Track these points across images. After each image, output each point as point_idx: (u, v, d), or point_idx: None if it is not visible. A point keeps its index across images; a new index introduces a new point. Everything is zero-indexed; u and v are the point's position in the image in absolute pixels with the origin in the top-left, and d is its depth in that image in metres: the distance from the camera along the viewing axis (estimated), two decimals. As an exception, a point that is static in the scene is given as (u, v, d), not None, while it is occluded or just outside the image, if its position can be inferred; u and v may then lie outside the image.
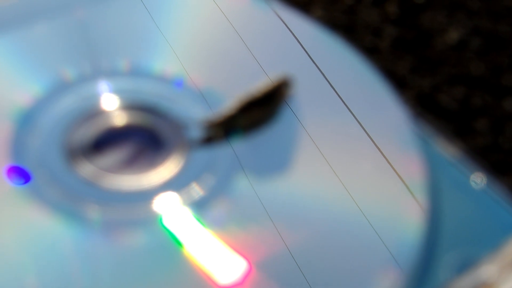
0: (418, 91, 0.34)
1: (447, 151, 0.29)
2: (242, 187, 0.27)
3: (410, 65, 0.35)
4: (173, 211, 0.26)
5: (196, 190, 0.26)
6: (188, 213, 0.26)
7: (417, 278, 0.25)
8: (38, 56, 0.31)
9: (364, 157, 0.29)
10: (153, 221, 0.26)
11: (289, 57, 0.33)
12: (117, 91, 0.30)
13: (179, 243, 0.25)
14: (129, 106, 0.30)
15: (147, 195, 0.26)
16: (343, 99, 0.31)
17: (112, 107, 0.29)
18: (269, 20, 0.34)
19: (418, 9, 0.38)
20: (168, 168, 0.28)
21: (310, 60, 0.33)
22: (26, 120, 0.28)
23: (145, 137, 0.29)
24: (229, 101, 0.29)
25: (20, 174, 0.26)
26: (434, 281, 0.25)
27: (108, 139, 0.29)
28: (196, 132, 0.29)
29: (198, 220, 0.25)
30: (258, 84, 0.30)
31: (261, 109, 0.30)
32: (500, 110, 0.33)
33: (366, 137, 0.29)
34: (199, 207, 0.26)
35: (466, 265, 0.25)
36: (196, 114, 0.29)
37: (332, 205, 0.27)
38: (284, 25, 0.34)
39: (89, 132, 0.28)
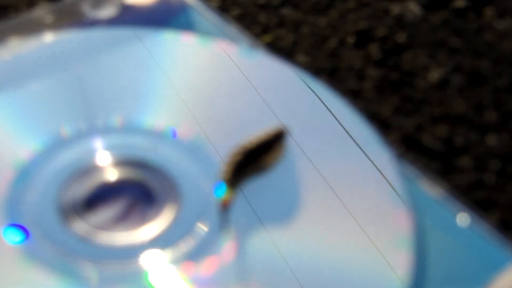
0: (402, 131, 0.35)
1: (432, 191, 0.30)
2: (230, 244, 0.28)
3: (393, 105, 0.36)
4: (159, 268, 0.27)
5: (184, 247, 0.27)
6: (174, 270, 0.26)
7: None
8: (36, 112, 0.32)
9: (351, 205, 0.30)
10: (140, 277, 0.26)
11: (276, 104, 0.33)
12: (110, 147, 0.31)
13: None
14: (121, 161, 0.31)
15: (137, 251, 0.27)
16: (332, 141, 0.32)
17: (105, 163, 0.31)
18: (256, 68, 0.35)
19: (400, 49, 0.39)
20: (159, 223, 0.28)
21: (295, 106, 0.33)
22: (23, 175, 0.30)
23: (137, 192, 0.30)
24: (226, 157, 0.30)
25: (17, 232, 0.27)
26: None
27: (101, 195, 0.29)
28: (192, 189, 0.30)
29: (183, 278, 0.26)
30: (252, 136, 0.31)
31: (256, 162, 0.31)
32: (484, 146, 0.34)
33: (352, 182, 0.30)
34: (186, 264, 0.27)
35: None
36: (188, 167, 0.30)
37: (319, 257, 0.28)
38: (269, 73, 0.35)
39: (82, 188, 0.29)
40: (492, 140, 0.34)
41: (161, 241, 0.28)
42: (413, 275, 0.27)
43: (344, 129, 0.33)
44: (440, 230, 0.29)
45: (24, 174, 0.30)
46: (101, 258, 0.27)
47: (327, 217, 0.29)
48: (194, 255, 0.27)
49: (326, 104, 0.34)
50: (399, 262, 0.27)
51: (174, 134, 0.31)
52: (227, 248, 0.27)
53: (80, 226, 0.28)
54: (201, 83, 0.34)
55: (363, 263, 0.27)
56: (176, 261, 0.27)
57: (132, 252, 0.27)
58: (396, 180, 0.30)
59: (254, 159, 0.30)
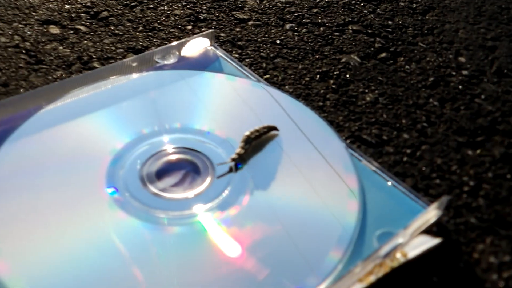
0: (350, 131, 0.34)
1: (370, 166, 0.30)
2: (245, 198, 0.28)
3: (344, 115, 0.36)
4: (202, 214, 0.27)
5: (216, 202, 0.27)
6: (210, 216, 0.27)
7: (355, 249, 0.25)
8: (128, 120, 0.32)
9: (319, 170, 0.30)
10: (193, 219, 0.27)
11: (274, 115, 0.34)
12: (172, 140, 0.31)
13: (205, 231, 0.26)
14: (179, 148, 0.31)
15: (189, 203, 0.27)
16: (307, 136, 0.32)
17: (169, 149, 0.30)
18: (261, 94, 0.35)
19: (347, 82, 0.39)
20: (204, 186, 0.28)
21: (286, 114, 0.34)
22: (118, 158, 0.30)
23: (189, 167, 0.30)
24: (237, 142, 0.30)
25: (112, 189, 0.28)
26: (367, 250, 0.25)
27: (166, 169, 0.29)
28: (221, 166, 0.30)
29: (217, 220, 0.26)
30: (250, 129, 0.31)
31: (256, 144, 0.31)
32: (400, 140, 0.34)
33: (321, 158, 0.30)
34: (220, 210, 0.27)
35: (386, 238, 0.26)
36: (220, 153, 0.30)
37: (298, 204, 0.28)
38: (269, 96, 0.35)
39: (155, 165, 0.29)
40: (405, 136, 0.34)
41: (203, 198, 0.28)
42: (358, 218, 0.27)
43: (314, 129, 0.33)
44: (375, 189, 0.29)
45: (119, 157, 0.30)
46: (166, 207, 0.27)
47: (300, 182, 0.29)
48: (222, 207, 0.28)
49: (303, 114, 0.34)
50: (351, 208, 0.27)
51: (208, 134, 0.32)
52: (240, 202, 0.28)
53: (153, 188, 0.28)
54: (227, 104, 0.35)
55: (325, 210, 0.28)
56: (211, 210, 0.27)
57: (186, 204, 0.28)
58: (347, 159, 0.30)
59: (254, 141, 0.31)
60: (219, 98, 0.35)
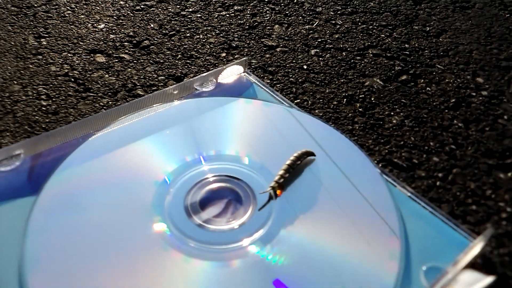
0: (379, 155, 0.30)
1: (404, 191, 0.25)
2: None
3: (372, 139, 0.31)
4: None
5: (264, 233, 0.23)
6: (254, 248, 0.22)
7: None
8: (174, 148, 0.28)
9: (356, 202, 0.25)
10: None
11: (307, 140, 0.29)
12: (211, 170, 0.26)
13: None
14: (220, 176, 0.26)
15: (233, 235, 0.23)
16: (336, 164, 0.27)
17: (210, 177, 0.26)
18: (292, 119, 0.31)
19: (373, 105, 0.34)
20: (245, 218, 0.24)
21: (318, 141, 0.29)
22: (171, 181, 0.25)
23: (231, 194, 0.25)
24: (275, 171, 0.26)
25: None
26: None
27: (209, 196, 0.25)
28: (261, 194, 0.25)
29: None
30: (289, 157, 0.26)
31: (293, 172, 0.26)
32: (432, 162, 0.29)
33: (357, 189, 0.25)
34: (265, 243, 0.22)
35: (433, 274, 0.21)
36: (259, 179, 0.26)
37: (338, 240, 0.23)
38: (302, 122, 0.30)
39: (199, 194, 0.25)
40: (435, 159, 0.29)
41: (248, 228, 0.23)
42: (402, 254, 0.22)
43: (345, 152, 0.28)
44: (414, 217, 0.24)
45: (172, 180, 0.26)
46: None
47: (339, 215, 0.24)
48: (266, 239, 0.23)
49: (334, 138, 0.29)
50: (393, 244, 0.22)
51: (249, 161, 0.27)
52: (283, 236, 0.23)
53: (197, 219, 0.24)
54: (262, 130, 0.30)
55: (366, 246, 0.22)
56: (258, 242, 0.23)
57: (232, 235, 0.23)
58: (383, 187, 0.26)
59: (292, 170, 0.26)
60: (255, 124, 0.31)
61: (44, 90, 0.33)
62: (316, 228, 0.23)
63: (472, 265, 0.22)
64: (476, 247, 0.22)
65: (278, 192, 0.25)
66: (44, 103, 0.32)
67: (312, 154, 0.27)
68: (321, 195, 0.25)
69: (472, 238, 0.23)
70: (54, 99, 0.32)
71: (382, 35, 0.44)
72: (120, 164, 0.27)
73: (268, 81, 0.37)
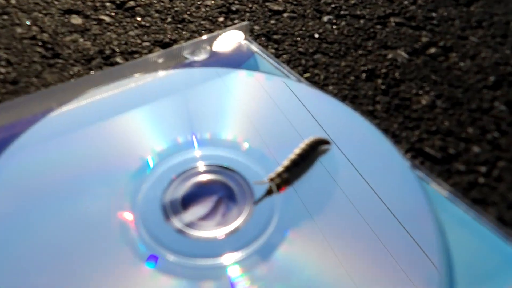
0: (407, 143, 0.24)
1: (441, 191, 0.20)
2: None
3: (398, 123, 0.25)
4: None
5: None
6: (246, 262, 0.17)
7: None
8: (156, 129, 0.22)
9: (374, 204, 0.19)
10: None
11: (315, 123, 0.23)
12: (203, 157, 0.21)
13: None
14: (210, 166, 0.21)
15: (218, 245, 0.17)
16: (358, 150, 0.22)
17: (198, 168, 0.21)
18: (301, 97, 0.25)
19: (397, 82, 0.29)
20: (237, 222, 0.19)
21: (334, 123, 0.23)
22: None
23: (221, 190, 0.20)
24: (281, 160, 0.20)
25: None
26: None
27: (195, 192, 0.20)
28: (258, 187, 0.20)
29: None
30: (299, 145, 0.21)
31: (303, 164, 0.21)
32: (473, 153, 0.23)
33: (380, 183, 0.20)
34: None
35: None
36: (257, 170, 0.21)
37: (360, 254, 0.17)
38: (313, 100, 0.25)
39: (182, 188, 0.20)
40: (475, 149, 0.24)
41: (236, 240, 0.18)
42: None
43: (365, 139, 0.23)
44: (455, 225, 0.19)
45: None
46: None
47: (359, 225, 0.19)
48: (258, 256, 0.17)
49: (351, 121, 0.24)
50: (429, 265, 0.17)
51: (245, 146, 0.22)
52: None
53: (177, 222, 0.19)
54: (263, 108, 0.24)
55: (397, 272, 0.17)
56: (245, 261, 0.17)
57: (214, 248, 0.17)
58: (415, 184, 0.20)
59: (302, 161, 0.21)
60: (257, 102, 0.25)
61: (4, 55, 0.28)
62: (325, 253, 0.18)
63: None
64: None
65: (280, 184, 0.20)
66: (3, 70, 0.26)
67: (326, 142, 0.22)
68: (336, 199, 0.20)
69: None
70: (15, 66, 0.27)
71: (405, 2, 0.38)
72: (85, 147, 0.21)
73: (273, 50, 0.31)
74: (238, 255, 0.17)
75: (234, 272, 0.16)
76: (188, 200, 0.19)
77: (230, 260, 0.17)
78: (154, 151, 0.21)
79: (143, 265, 0.16)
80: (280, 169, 0.20)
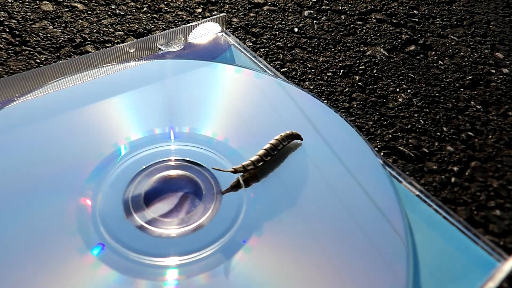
0: (381, 140, 0.24)
1: (412, 189, 0.20)
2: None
3: (373, 120, 0.25)
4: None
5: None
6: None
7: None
8: (143, 117, 0.22)
9: (354, 199, 0.19)
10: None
11: (292, 117, 0.23)
12: (177, 151, 0.20)
13: None
14: (177, 161, 0.20)
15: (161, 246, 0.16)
16: (329, 151, 0.21)
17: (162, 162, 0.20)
18: (278, 92, 0.24)
19: (375, 79, 0.28)
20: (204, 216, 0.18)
21: (308, 119, 0.23)
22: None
23: (188, 186, 0.19)
24: (252, 153, 0.20)
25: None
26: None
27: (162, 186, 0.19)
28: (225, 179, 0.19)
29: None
30: (271, 139, 0.20)
31: (274, 157, 0.20)
32: (446, 152, 0.23)
33: (355, 183, 0.20)
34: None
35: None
36: (227, 164, 0.20)
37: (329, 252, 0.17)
38: (288, 95, 0.24)
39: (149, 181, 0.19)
40: (449, 148, 0.24)
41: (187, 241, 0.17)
42: (408, 271, 0.16)
43: (341, 135, 0.22)
44: (424, 225, 0.18)
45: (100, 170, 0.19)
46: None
47: (329, 212, 0.18)
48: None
49: (326, 116, 0.23)
50: (397, 259, 0.17)
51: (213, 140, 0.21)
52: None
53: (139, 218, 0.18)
54: (239, 101, 0.24)
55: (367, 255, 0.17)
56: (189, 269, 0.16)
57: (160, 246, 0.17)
58: (387, 182, 0.20)
59: (272, 155, 0.20)
60: (230, 96, 0.24)
61: (-32, 41, 0.26)
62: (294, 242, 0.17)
63: (499, 293, 0.16)
64: (505, 268, 0.17)
65: (247, 179, 0.19)
66: (-35, 57, 0.25)
67: (299, 137, 0.21)
68: (305, 195, 0.19)
69: (497, 255, 0.17)
70: (-21, 53, 0.25)
71: (387, -1, 0.38)
72: (48, 139, 0.20)
73: (251, 44, 0.30)
74: (180, 259, 0.16)
75: (172, 275, 0.16)
76: (153, 195, 0.18)
77: (173, 262, 0.16)
78: (127, 139, 0.20)
79: (89, 253, 0.16)
80: (247, 162, 0.20)
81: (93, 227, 0.17)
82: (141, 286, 0.15)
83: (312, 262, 0.16)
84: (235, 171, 0.19)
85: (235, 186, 0.19)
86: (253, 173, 0.20)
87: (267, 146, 0.20)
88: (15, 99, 0.22)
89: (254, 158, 0.20)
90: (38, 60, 0.26)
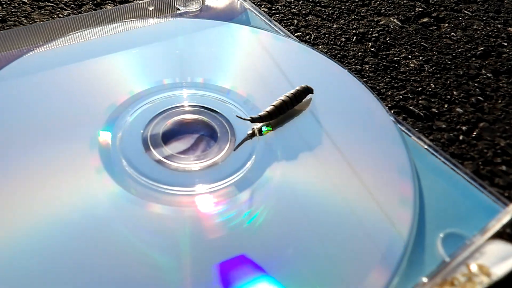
0: (391, 100, 0.24)
1: (420, 143, 0.20)
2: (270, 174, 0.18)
3: (385, 82, 0.25)
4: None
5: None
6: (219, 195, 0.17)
7: (414, 254, 0.16)
8: (150, 68, 0.22)
9: (362, 150, 0.19)
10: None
11: (305, 76, 0.23)
12: (190, 97, 0.21)
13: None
14: (194, 107, 0.21)
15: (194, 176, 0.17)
16: (340, 104, 0.22)
17: (181, 108, 0.20)
18: (292, 52, 0.25)
19: (387, 46, 0.28)
20: (219, 155, 0.19)
21: (322, 76, 0.23)
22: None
23: (205, 129, 0.20)
24: (266, 105, 0.20)
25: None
26: (429, 258, 0.16)
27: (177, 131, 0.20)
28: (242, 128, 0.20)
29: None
30: (285, 92, 0.21)
31: (288, 109, 0.21)
32: (455, 113, 0.23)
33: (364, 133, 0.20)
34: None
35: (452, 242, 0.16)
36: (241, 115, 0.20)
37: (335, 195, 0.17)
38: (301, 54, 0.25)
39: (161, 126, 0.20)
40: (458, 110, 0.24)
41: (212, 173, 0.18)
42: (414, 216, 0.17)
43: (355, 93, 0.23)
44: (431, 174, 0.19)
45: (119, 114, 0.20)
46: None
47: (338, 164, 0.19)
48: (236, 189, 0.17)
49: (339, 76, 0.24)
50: (404, 203, 0.17)
51: (228, 93, 0.21)
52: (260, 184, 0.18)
53: (157, 154, 0.18)
54: (253, 60, 0.24)
55: (370, 203, 0.17)
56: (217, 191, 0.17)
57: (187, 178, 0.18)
58: (396, 134, 0.20)
59: (286, 108, 0.21)
60: (245, 54, 0.25)
61: (-6, -5, 0.27)
62: (304, 178, 0.18)
63: (502, 235, 0.17)
64: (508, 214, 0.17)
65: (265, 131, 0.20)
66: (-9, 9, 0.26)
67: (311, 91, 0.22)
68: (320, 139, 0.20)
69: (501, 203, 0.18)
70: (5, 5, 0.26)
71: (402, -25, 0.38)
72: (70, 81, 0.21)
73: (266, 10, 0.31)
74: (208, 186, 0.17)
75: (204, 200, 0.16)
76: (169, 136, 0.19)
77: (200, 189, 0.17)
78: (141, 87, 0.21)
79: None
80: (263, 112, 0.20)
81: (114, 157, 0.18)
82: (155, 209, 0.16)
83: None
84: (252, 120, 0.20)
85: (251, 135, 0.20)
86: (268, 122, 0.20)
87: (282, 97, 0.21)
88: (36, 47, 0.22)
89: (269, 108, 0.20)
90: (60, 15, 0.26)
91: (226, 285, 0.14)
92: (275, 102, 0.21)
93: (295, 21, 0.30)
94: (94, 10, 0.27)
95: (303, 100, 0.21)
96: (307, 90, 0.21)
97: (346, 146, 0.19)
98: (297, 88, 0.21)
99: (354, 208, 0.17)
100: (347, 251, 0.15)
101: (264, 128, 0.20)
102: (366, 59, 0.27)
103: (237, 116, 0.20)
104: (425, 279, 0.14)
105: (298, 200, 0.17)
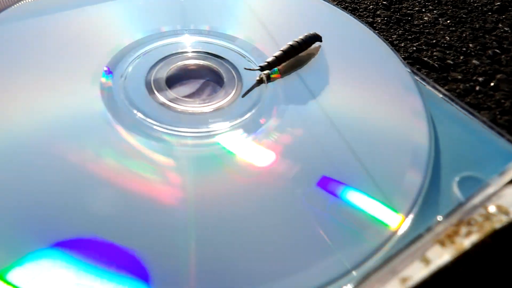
0: (405, 52, 0.23)
1: (436, 92, 0.19)
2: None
3: (398, 34, 0.24)
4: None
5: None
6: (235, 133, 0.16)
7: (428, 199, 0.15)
8: (147, 15, 0.21)
9: (377, 91, 0.19)
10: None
11: (317, 28, 0.22)
12: (194, 44, 0.20)
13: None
14: (200, 53, 0.20)
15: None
16: (352, 51, 0.21)
17: (187, 53, 0.20)
18: (303, 3, 0.24)
19: (400, 0, 0.27)
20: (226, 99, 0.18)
21: (332, 28, 0.22)
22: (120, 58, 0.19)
23: (211, 76, 0.19)
24: (274, 52, 0.20)
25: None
26: (445, 201, 0.15)
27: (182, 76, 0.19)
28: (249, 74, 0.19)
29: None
30: (294, 39, 0.20)
31: (296, 53, 0.20)
32: (471, 65, 0.22)
33: (378, 79, 0.19)
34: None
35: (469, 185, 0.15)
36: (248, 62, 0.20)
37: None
38: (312, 6, 0.24)
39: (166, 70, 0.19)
40: (474, 61, 0.23)
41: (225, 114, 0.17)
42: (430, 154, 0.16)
43: (369, 44, 0.22)
44: (447, 121, 0.18)
45: (123, 56, 0.19)
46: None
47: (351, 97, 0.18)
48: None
49: (350, 26, 0.23)
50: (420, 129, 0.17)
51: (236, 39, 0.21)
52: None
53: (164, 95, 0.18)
54: (263, 8, 0.23)
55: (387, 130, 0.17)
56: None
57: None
58: (410, 81, 0.19)
59: (293, 53, 0.20)
60: (255, 5, 0.24)
61: None
62: (319, 108, 0.17)
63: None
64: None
65: (272, 75, 0.19)
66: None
67: (319, 38, 0.21)
68: (330, 77, 0.19)
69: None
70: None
71: None
72: (70, 27, 0.20)
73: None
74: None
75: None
76: (175, 81, 0.18)
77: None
78: (144, 33, 0.20)
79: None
80: (271, 58, 0.19)
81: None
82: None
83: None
84: (262, 69, 0.19)
85: (259, 81, 0.19)
86: (277, 68, 0.19)
87: (290, 42, 0.20)
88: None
89: (277, 53, 0.20)
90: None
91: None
92: (283, 47, 0.20)
93: (304, -26, 0.28)
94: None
95: (312, 46, 0.21)
96: (315, 37, 0.20)
97: (359, 91, 0.19)
98: (305, 33, 0.20)
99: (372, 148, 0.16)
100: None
101: (273, 70, 0.19)
102: (378, 12, 0.26)
103: (245, 68, 0.19)
104: (440, 218, 0.14)
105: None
